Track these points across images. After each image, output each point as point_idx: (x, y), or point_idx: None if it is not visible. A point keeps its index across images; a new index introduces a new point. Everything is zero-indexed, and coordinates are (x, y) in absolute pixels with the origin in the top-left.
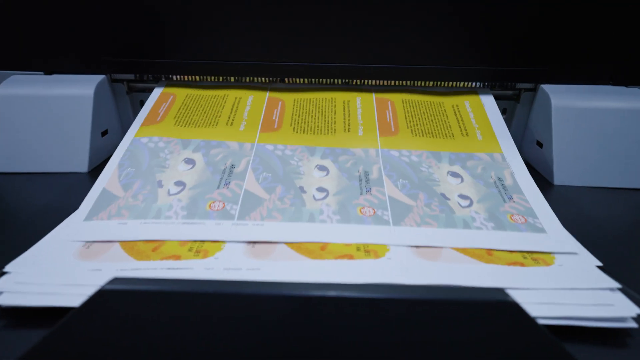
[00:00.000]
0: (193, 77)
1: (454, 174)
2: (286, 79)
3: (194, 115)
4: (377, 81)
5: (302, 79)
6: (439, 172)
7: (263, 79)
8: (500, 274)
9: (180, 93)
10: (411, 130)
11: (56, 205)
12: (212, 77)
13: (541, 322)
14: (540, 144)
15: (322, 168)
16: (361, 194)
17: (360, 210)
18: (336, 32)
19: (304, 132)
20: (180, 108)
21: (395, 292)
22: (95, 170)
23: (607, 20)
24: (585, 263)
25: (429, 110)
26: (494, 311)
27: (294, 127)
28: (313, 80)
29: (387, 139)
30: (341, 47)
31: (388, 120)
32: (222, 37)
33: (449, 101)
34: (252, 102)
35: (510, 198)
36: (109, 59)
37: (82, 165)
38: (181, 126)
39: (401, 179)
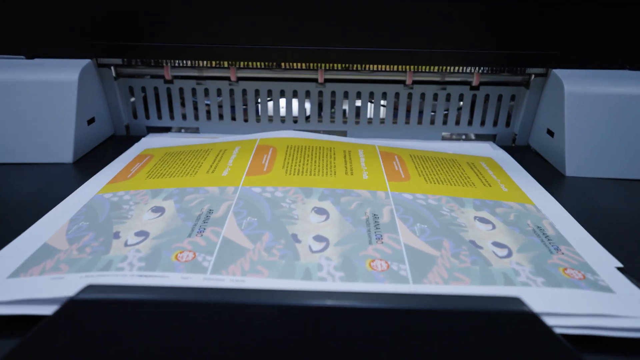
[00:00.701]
0: (185, 62)
1: (483, 220)
2: (283, 64)
3: (170, 168)
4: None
5: (300, 64)
6: (463, 216)
7: (258, 64)
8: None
9: (158, 152)
10: (424, 178)
11: (38, 198)
12: (206, 63)
13: (558, 331)
14: (551, 133)
15: (320, 211)
16: (370, 243)
17: (370, 265)
18: (335, 15)
19: (298, 174)
20: (156, 164)
21: (402, 301)
22: (80, 161)
23: None
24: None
25: (442, 164)
26: (509, 322)
27: (287, 170)
28: (311, 65)
29: (397, 184)
30: (340, 31)
31: (396, 169)
32: (216, 18)
33: (462, 159)
34: (238, 151)
35: (558, 249)
36: (95, 42)
37: (66, 155)
38: (154, 178)
39: (419, 223)
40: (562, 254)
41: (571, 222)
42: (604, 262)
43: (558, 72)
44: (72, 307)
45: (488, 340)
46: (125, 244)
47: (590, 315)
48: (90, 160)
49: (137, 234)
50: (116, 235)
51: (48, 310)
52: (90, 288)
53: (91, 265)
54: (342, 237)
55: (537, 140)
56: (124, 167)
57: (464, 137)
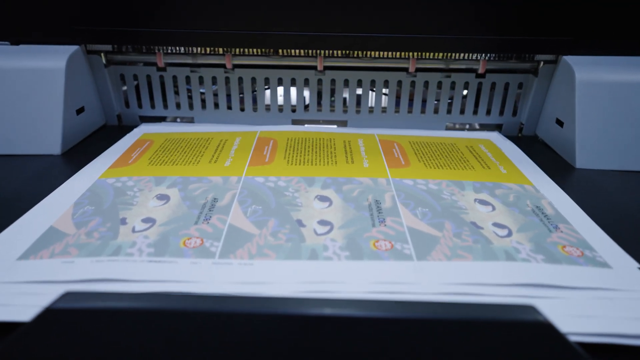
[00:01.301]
0: (178, 48)
1: (483, 202)
2: (280, 51)
3: (172, 155)
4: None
5: (298, 51)
6: (464, 199)
7: (255, 50)
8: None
9: (158, 138)
10: (424, 163)
11: (25, 192)
12: (200, 49)
13: (574, 339)
14: (560, 123)
15: (323, 199)
16: (373, 225)
17: (375, 244)
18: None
19: (300, 164)
20: (157, 150)
21: (407, 310)
22: (69, 153)
23: None
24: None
25: (441, 149)
26: (522, 332)
27: (288, 161)
28: (310, 52)
29: (397, 170)
30: (340, 16)
31: (396, 156)
32: (211, 2)
33: (461, 142)
34: (239, 142)
35: (557, 228)
36: (83, 28)
37: (54, 147)
38: (156, 165)
39: (420, 207)
40: (561, 232)
41: (569, 202)
42: (602, 240)
43: (569, 59)
44: (50, 316)
45: (499, 352)
46: (133, 230)
47: (588, 289)
48: (80, 151)
49: (144, 220)
50: (123, 222)
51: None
52: (68, 296)
53: (100, 250)
54: (346, 220)
55: (545, 130)
56: (125, 151)
57: (468, 126)
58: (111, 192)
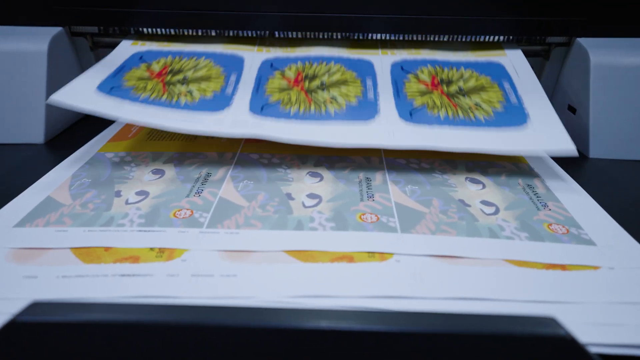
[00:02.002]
0: (168, 30)
1: (474, 180)
2: (277, 33)
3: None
4: (383, 35)
5: (295, 33)
6: (455, 178)
7: (250, 33)
8: (537, 282)
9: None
10: None
11: (6, 183)
12: (191, 31)
13: (594, 350)
14: (572, 109)
15: (314, 175)
16: (361, 200)
17: (361, 217)
18: None
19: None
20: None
21: (413, 323)
22: (53, 142)
23: None
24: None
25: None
26: (542, 347)
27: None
28: (308, 34)
29: (391, 151)
30: None
31: None
32: None
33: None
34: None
35: (545, 206)
36: (66, 7)
37: (37, 135)
38: (155, 140)
39: (410, 184)
40: (550, 210)
41: (564, 176)
42: (592, 217)
43: (583, 41)
44: (14, 329)
45: None
46: (126, 202)
47: (569, 264)
48: (65, 140)
49: (138, 193)
50: (117, 194)
51: None
52: (35, 307)
53: (94, 221)
54: (335, 195)
55: None
56: (125, 125)
57: None
58: (109, 167)
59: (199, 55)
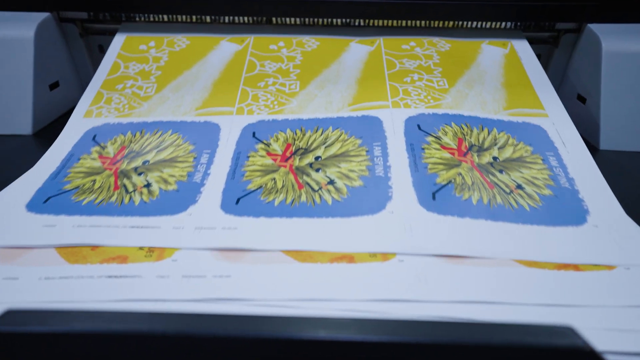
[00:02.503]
0: (160, 16)
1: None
2: (273, 19)
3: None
4: (385, 22)
5: (292, 19)
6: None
7: (245, 18)
8: (548, 284)
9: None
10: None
11: None
12: (184, 17)
13: (612, 359)
14: (582, 99)
15: None
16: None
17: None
18: None
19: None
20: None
21: (417, 332)
22: (42, 132)
23: None
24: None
25: None
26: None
27: None
28: (306, 20)
29: None
30: None
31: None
32: None
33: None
34: None
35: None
36: None
37: (24, 126)
38: None
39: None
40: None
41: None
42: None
43: (594, 27)
44: None
45: None
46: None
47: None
48: (55, 130)
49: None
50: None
51: None
52: (9, 315)
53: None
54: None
55: (564, 106)
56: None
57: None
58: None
59: (165, 127)
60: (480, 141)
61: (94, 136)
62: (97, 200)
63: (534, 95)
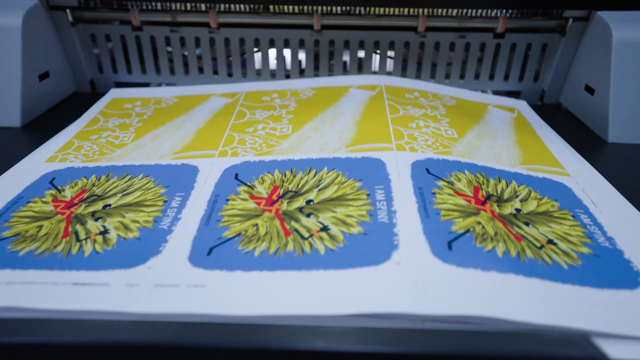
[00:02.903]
0: (154, 3)
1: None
2: (271, 7)
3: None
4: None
5: (289, 7)
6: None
7: (242, 6)
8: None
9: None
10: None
11: None
12: (178, 5)
13: None
14: (590, 90)
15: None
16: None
17: None
18: None
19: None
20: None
21: (418, 343)
22: (32, 125)
23: None
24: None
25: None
26: None
27: None
28: (304, 8)
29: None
30: None
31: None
32: None
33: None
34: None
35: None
36: None
37: (13, 118)
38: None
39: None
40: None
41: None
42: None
43: (604, 15)
44: None
45: None
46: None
47: None
48: (45, 122)
49: None
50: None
51: None
52: None
53: None
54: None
55: (570, 98)
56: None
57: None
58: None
59: (135, 171)
60: (499, 192)
61: (52, 179)
62: (39, 251)
63: (551, 156)
